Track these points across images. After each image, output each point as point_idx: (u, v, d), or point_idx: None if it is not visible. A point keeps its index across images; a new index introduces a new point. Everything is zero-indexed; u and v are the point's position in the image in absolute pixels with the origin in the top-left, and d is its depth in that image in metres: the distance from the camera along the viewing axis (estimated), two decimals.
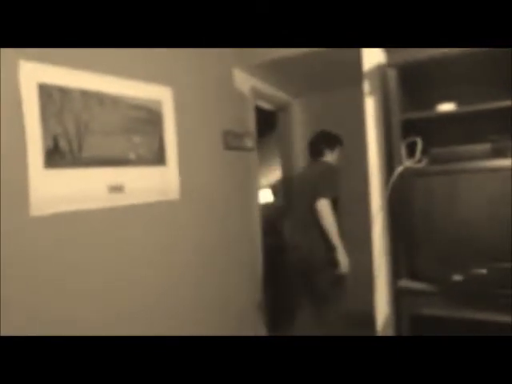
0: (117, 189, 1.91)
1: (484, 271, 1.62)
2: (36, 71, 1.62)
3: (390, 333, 2.11)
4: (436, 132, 1.99)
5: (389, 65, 1.90)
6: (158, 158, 2.15)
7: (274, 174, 4.85)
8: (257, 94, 3.28)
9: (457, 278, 1.66)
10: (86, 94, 1.80)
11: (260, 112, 3.56)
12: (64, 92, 1.72)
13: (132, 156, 2.00)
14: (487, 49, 1.59)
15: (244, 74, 3.03)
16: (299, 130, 4.13)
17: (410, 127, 1.90)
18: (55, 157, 1.67)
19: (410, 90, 2.03)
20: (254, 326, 3.06)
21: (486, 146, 1.75)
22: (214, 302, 2.57)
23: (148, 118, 2.10)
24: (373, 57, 2.12)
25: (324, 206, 2.59)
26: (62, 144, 1.70)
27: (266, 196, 4.77)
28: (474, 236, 1.69)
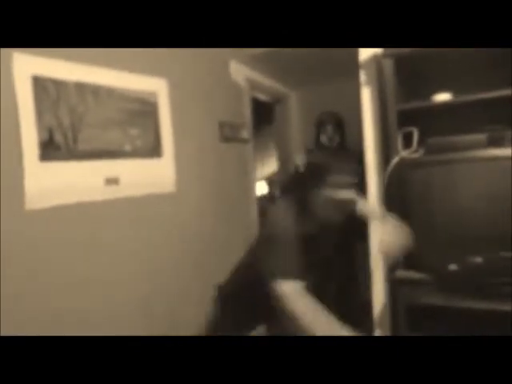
0: (112, 181, 1.91)
1: (480, 260, 1.63)
2: (30, 63, 1.61)
3: (386, 322, 2.12)
4: (432, 122, 1.99)
5: (385, 55, 1.90)
6: (154, 150, 2.14)
7: (270, 167, 4.85)
8: (253, 85, 3.26)
9: (452, 267, 1.67)
10: (80, 87, 1.79)
11: (257, 104, 3.55)
12: (58, 84, 1.71)
13: (128, 148, 1.99)
14: None
15: (240, 65, 3.01)
16: (296, 121, 4.13)
17: (406, 117, 1.90)
18: (50, 149, 1.66)
19: (406, 80, 2.02)
20: None
21: (482, 136, 1.75)
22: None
23: (143, 110, 2.09)
24: None
25: None
26: (57, 137, 1.69)
27: (261, 188, 4.77)
28: (470, 225, 1.70)
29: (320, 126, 3.20)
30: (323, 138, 3.17)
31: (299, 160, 3.26)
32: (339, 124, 3.17)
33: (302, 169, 3.21)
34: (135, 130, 2.03)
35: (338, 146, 3.16)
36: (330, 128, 3.14)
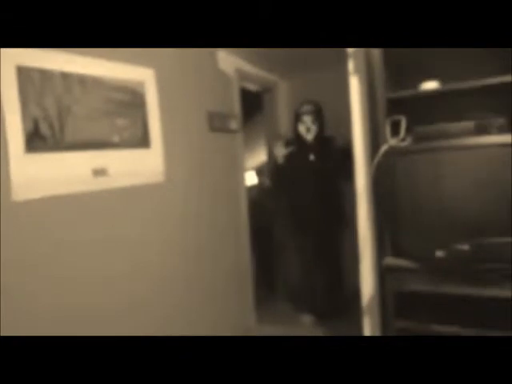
0: (101, 172, 1.89)
1: (466, 247, 1.65)
2: (14, 53, 1.58)
3: (375, 309, 2.15)
4: (420, 110, 2.00)
5: None
6: (142, 141, 2.13)
7: (260, 157, 4.85)
8: (241, 74, 3.24)
9: (439, 254, 1.69)
10: (66, 76, 1.77)
11: (245, 94, 3.53)
12: (44, 74, 1.68)
13: (115, 139, 1.97)
14: None
15: (228, 55, 2.99)
16: (285, 111, 4.12)
17: (394, 105, 1.90)
18: (36, 141, 1.64)
19: (395, 69, 2.03)
20: (240, 306, 3.09)
21: (469, 124, 1.76)
22: (201, 285, 2.59)
23: (131, 100, 2.07)
24: None
25: None
26: (43, 127, 1.67)
27: (251, 178, 4.77)
28: (458, 213, 1.72)
29: (298, 116, 3.20)
30: (301, 129, 3.16)
31: (278, 151, 3.24)
32: (317, 113, 3.16)
33: (280, 160, 3.21)
34: (123, 120, 2.01)
35: (316, 136, 3.16)
36: (307, 118, 3.13)
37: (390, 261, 1.85)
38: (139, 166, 2.11)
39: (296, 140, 3.23)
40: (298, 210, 3.29)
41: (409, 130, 1.89)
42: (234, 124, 3.06)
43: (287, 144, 3.24)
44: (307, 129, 3.13)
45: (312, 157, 3.17)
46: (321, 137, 3.19)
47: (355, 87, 2.16)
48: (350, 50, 2.15)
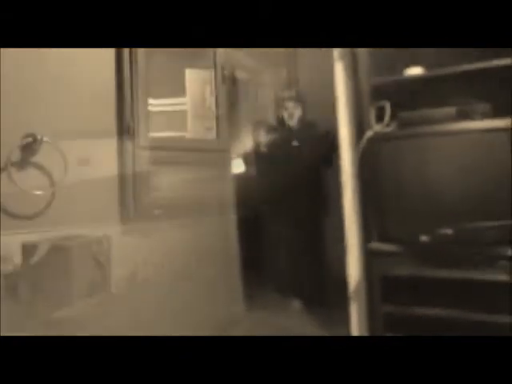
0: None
1: (450, 231, 1.67)
2: None
3: (362, 295, 2.17)
4: (405, 96, 2.01)
5: None
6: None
7: (247, 144, 4.83)
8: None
9: (424, 238, 1.71)
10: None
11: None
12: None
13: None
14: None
15: None
16: (272, 98, 4.10)
17: (378, 91, 1.91)
18: None
19: (379, 55, 2.02)
20: (228, 293, 3.11)
21: (451, 109, 1.78)
22: (188, 272, 2.58)
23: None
24: None
25: None
26: None
27: (238, 165, 4.75)
28: (441, 198, 1.74)
29: (280, 101, 3.20)
30: (284, 115, 3.16)
31: (260, 138, 3.23)
32: (299, 99, 3.16)
33: (263, 147, 3.21)
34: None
35: (299, 122, 3.16)
36: (289, 104, 3.13)
37: (376, 246, 1.86)
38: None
39: (279, 126, 3.23)
40: (282, 196, 3.29)
41: (393, 115, 1.90)
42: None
43: (269, 130, 3.23)
44: (290, 114, 3.13)
45: (295, 142, 3.17)
46: (303, 122, 3.18)
47: (340, 73, 2.15)
48: None
